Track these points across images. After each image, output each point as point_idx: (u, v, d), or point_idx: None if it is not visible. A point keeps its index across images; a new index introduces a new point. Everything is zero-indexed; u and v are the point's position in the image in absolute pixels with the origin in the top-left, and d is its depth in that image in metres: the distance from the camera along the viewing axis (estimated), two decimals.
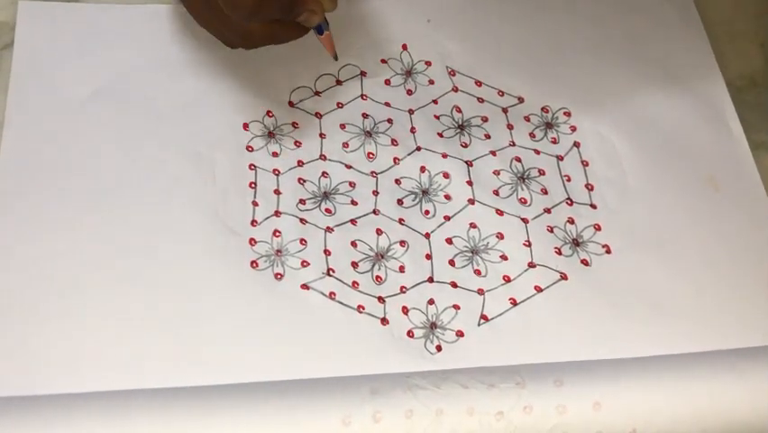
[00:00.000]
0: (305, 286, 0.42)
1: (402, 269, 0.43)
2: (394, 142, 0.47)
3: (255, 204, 0.44)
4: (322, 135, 0.47)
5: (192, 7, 0.45)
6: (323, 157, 0.46)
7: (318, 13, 0.42)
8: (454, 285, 0.43)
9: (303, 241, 0.43)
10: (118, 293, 0.40)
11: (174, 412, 0.36)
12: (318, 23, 0.44)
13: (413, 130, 0.47)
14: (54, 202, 0.42)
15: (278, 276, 0.42)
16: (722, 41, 0.53)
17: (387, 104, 0.48)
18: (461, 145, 0.47)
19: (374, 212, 0.44)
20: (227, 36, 0.44)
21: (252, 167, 0.45)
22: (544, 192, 0.46)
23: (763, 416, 0.38)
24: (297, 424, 0.36)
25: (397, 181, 0.46)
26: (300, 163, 0.45)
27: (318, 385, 0.38)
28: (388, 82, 0.49)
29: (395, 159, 0.46)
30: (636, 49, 0.52)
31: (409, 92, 0.49)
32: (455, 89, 0.49)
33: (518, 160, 0.47)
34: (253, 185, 0.44)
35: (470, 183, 0.46)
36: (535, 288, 0.43)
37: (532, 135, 0.48)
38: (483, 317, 0.42)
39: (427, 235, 0.44)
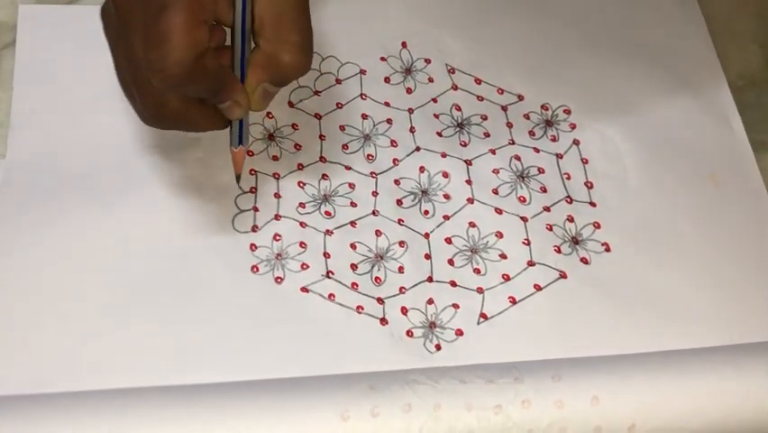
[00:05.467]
0: (304, 289, 0.43)
1: (401, 269, 0.45)
2: (393, 144, 0.49)
3: (255, 209, 0.45)
4: (322, 137, 0.49)
5: (116, 63, 0.39)
6: (323, 159, 0.48)
7: (243, 107, 0.39)
8: (454, 284, 0.45)
9: (302, 244, 0.45)
10: (118, 295, 0.42)
11: (174, 409, 0.37)
12: (240, 123, 0.41)
13: (412, 130, 0.50)
14: (57, 203, 0.44)
15: (279, 280, 0.44)
16: (722, 41, 0.55)
17: (386, 103, 0.50)
18: (461, 144, 0.49)
19: (373, 213, 0.46)
20: (139, 106, 0.39)
21: (253, 171, 0.47)
22: (544, 190, 0.48)
23: (762, 411, 0.40)
24: (295, 419, 0.37)
25: (397, 182, 0.48)
26: (300, 167, 0.47)
27: (317, 381, 0.39)
28: (387, 80, 0.51)
29: (394, 160, 0.48)
30: (637, 45, 0.54)
31: (409, 90, 0.51)
32: (455, 87, 0.51)
33: (518, 158, 0.49)
34: (254, 190, 0.46)
35: (469, 182, 0.48)
36: (535, 286, 0.45)
37: (531, 133, 0.50)
38: (482, 315, 0.44)
39: (426, 235, 0.46)
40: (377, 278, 0.45)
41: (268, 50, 0.38)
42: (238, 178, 0.43)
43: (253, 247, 0.45)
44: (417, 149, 0.49)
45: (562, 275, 0.46)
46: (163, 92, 0.37)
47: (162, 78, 0.35)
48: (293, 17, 0.37)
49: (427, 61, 0.52)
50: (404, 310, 0.44)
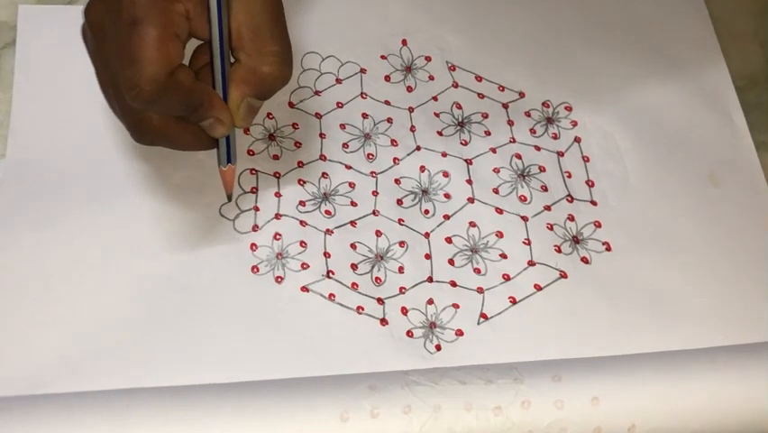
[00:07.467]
0: (305, 288, 0.44)
1: (401, 269, 0.45)
2: (393, 143, 0.49)
3: (256, 209, 0.46)
4: (322, 135, 0.49)
5: (99, 81, 0.40)
6: (323, 157, 0.48)
7: (225, 125, 0.39)
8: (454, 284, 0.45)
9: (303, 243, 0.45)
10: (118, 296, 0.43)
11: (174, 410, 0.38)
12: (226, 141, 0.40)
13: (412, 129, 0.50)
14: (56, 203, 0.45)
15: (279, 279, 0.44)
16: (723, 41, 0.55)
17: (386, 102, 0.51)
18: (461, 143, 0.50)
19: (374, 213, 0.47)
20: (122, 119, 0.39)
21: (253, 171, 0.47)
22: (544, 189, 0.49)
23: (762, 412, 0.40)
24: (295, 420, 0.37)
25: (397, 181, 0.48)
26: (300, 164, 0.48)
27: (316, 382, 0.39)
28: (387, 78, 0.51)
29: (394, 159, 0.49)
30: (639, 42, 0.54)
31: (409, 89, 0.51)
32: (455, 85, 0.52)
33: (518, 157, 0.49)
34: (255, 189, 0.47)
35: (469, 182, 0.48)
36: (535, 286, 0.45)
37: (532, 131, 0.51)
38: (483, 315, 0.44)
39: (427, 235, 0.46)
40: (377, 278, 0.45)
41: (249, 63, 0.38)
42: (229, 197, 0.43)
43: (254, 247, 0.45)
44: (418, 148, 0.49)
45: (563, 275, 0.46)
46: (141, 109, 0.37)
47: (135, 94, 0.35)
48: (271, 28, 0.38)
49: (428, 59, 0.53)
50: (404, 311, 0.44)
